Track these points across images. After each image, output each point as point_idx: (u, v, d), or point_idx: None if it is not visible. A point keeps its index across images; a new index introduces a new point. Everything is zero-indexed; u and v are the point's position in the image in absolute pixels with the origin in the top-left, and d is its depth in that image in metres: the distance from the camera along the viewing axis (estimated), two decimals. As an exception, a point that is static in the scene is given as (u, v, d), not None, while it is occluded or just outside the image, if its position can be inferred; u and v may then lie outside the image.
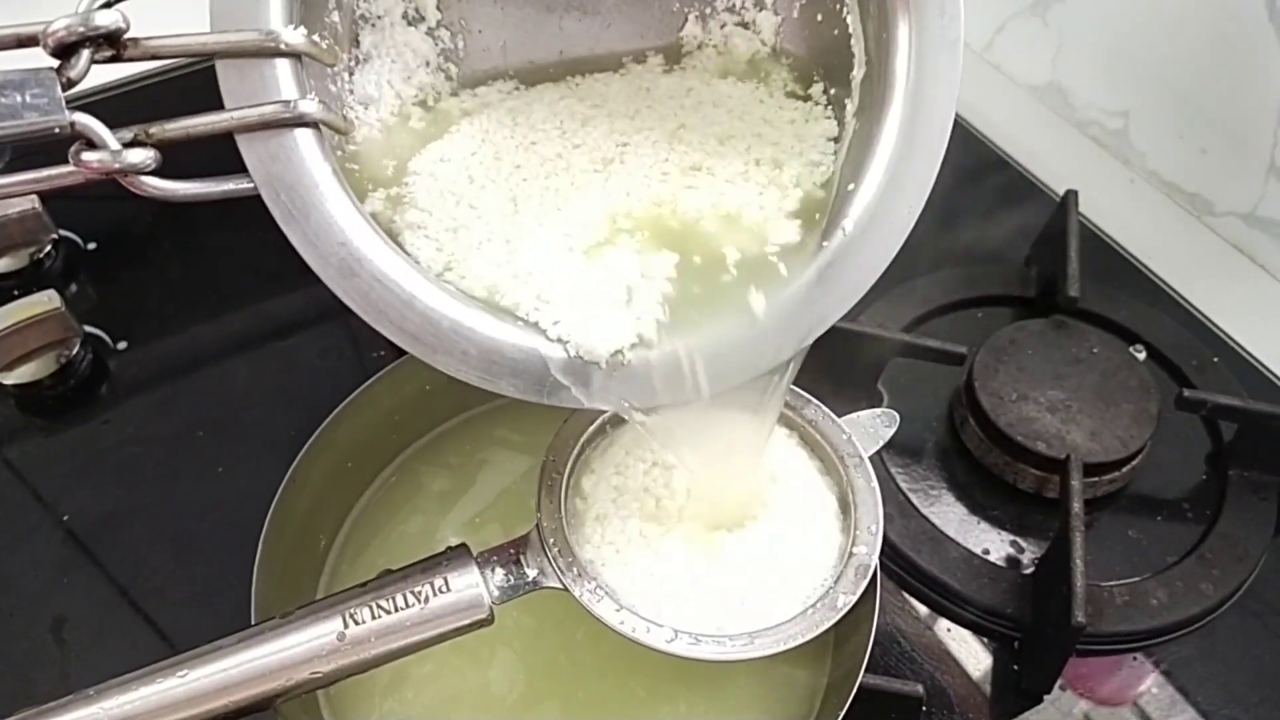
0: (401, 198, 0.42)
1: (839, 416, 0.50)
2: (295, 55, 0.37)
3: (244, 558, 0.49)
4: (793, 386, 0.51)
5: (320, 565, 0.57)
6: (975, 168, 0.86)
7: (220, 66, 0.36)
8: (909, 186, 0.41)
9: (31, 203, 0.74)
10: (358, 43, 0.43)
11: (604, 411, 0.49)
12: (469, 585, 0.44)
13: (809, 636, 0.44)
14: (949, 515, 0.64)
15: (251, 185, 0.36)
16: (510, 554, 0.45)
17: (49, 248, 0.77)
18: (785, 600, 0.45)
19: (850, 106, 0.44)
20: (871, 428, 0.51)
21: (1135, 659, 0.59)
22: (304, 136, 0.36)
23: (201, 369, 0.71)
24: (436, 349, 0.38)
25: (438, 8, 0.45)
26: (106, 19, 0.33)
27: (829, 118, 0.46)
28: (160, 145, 0.35)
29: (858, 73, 0.44)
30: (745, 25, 0.48)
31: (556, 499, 0.47)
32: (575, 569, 0.45)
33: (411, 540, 0.58)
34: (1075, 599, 0.53)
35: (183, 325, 0.74)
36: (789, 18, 0.47)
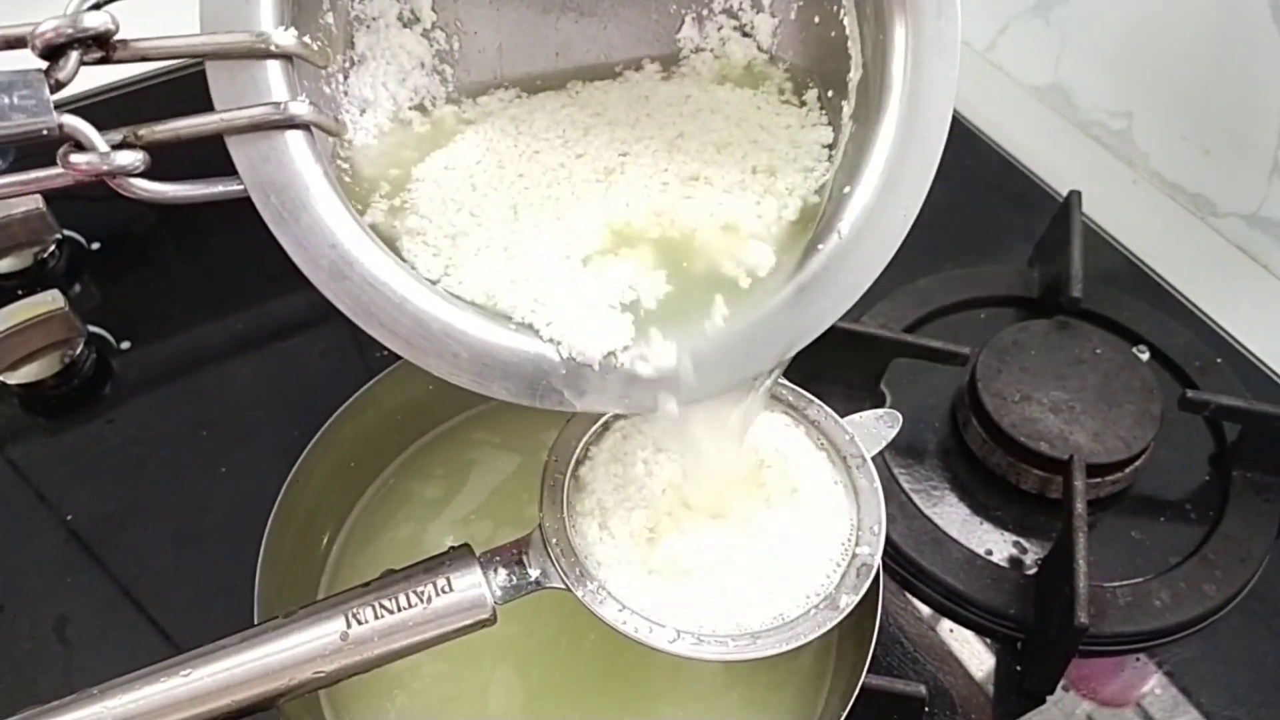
0: (404, 205, 0.42)
1: (842, 417, 0.50)
2: (286, 57, 0.37)
3: (247, 557, 0.50)
4: (796, 387, 0.51)
5: (322, 565, 0.57)
6: (978, 169, 0.86)
7: (210, 68, 0.36)
8: (905, 189, 0.41)
9: (35, 203, 0.74)
10: (353, 45, 0.43)
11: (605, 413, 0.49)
12: (472, 585, 0.44)
13: (811, 637, 0.44)
14: (952, 516, 0.64)
15: (242, 187, 0.36)
16: (513, 554, 0.45)
17: (53, 248, 0.77)
18: (787, 600, 0.45)
19: (846, 109, 0.44)
20: (874, 428, 0.51)
21: (1138, 660, 0.59)
22: (295, 139, 0.36)
23: (205, 369, 0.72)
24: (428, 352, 0.38)
25: (433, 9, 0.45)
26: (95, 20, 0.33)
27: (824, 124, 0.46)
28: (149, 147, 0.34)
29: (854, 75, 0.44)
30: (742, 28, 0.48)
31: (558, 499, 0.47)
32: (577, 569, 0.45)
33: (413, 539, 0.58)
34: (1078, 600, 0.53)
35: (186, 325, 0.74)
36: (786, 20, 0.47)
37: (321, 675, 0.42)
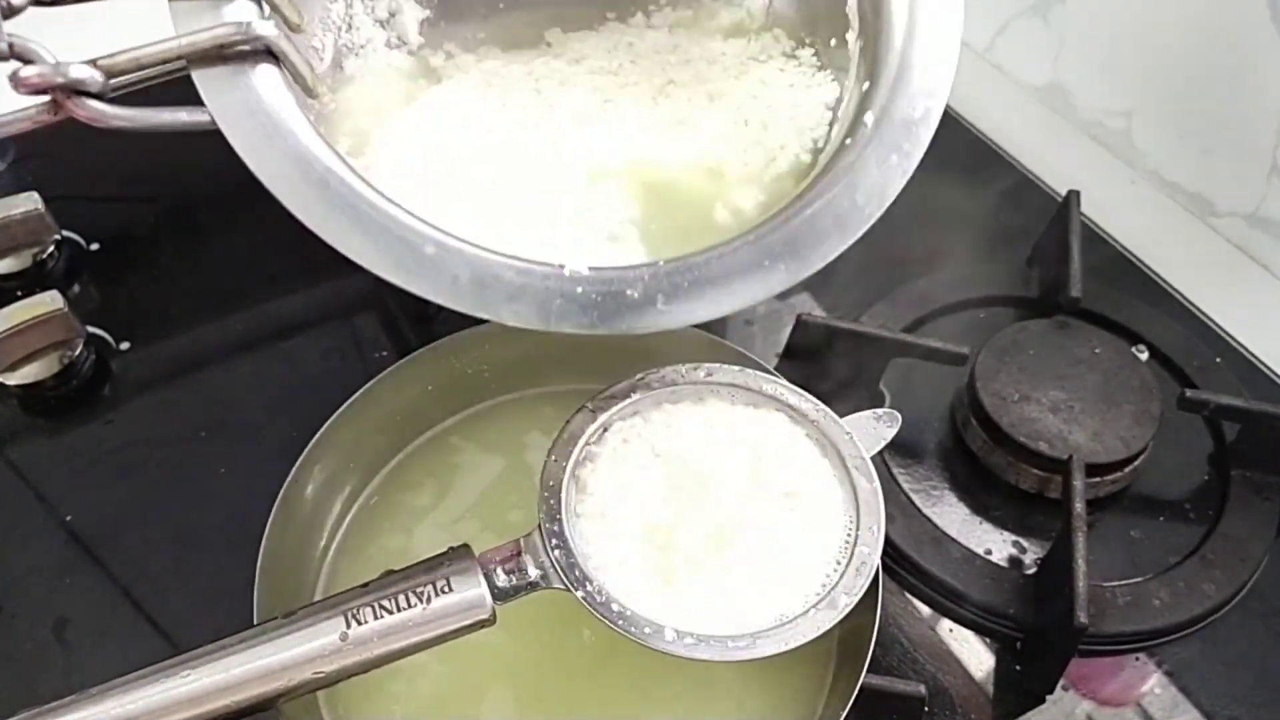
0: (367, 166, 0.40)
1: (841, 417, 0.50)
2: None
3: (247, 558, 0.50)
4: (795, 387, 0.51)
5: (321, 565, 0.57)
6: (977, 168, 0.86)
7: (173, 9, 0.34)
8: (924, 84, 0.38)
9: (35, 204, 0.74)
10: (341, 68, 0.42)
11: (605, 410, 0.49)
12: (471, 585, 0.44)
13: (811, 637, 0.44)
14: (951, 515, 0.64)
15: (207, 118, 0.34)
16: (512, 554, 0.45)
17: (52, 248, 0.77)
18: (787, 600, 0.45)
19: (852, 36, 0.43)
20: (873, 428, 0.51)
21: (1137, 659, 0.59)
22: (264, 68, 0.34)
23: (204, 369, 0.72)
24: (421, 275, 0.35)
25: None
26: None
27: (830, 81, 0.44)
28: (110, 74, 0.33)
29: (853, 34, 0.42)
30: None
31: (558, 499, 0.47)
32: (577, 570, 0.45)
33: (409, 541, 0.58)
34: (1077, 599, 0.53)
35: (185, 326, 0.74)
36: None
37: (321, 676, 0.42)
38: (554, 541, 0.45)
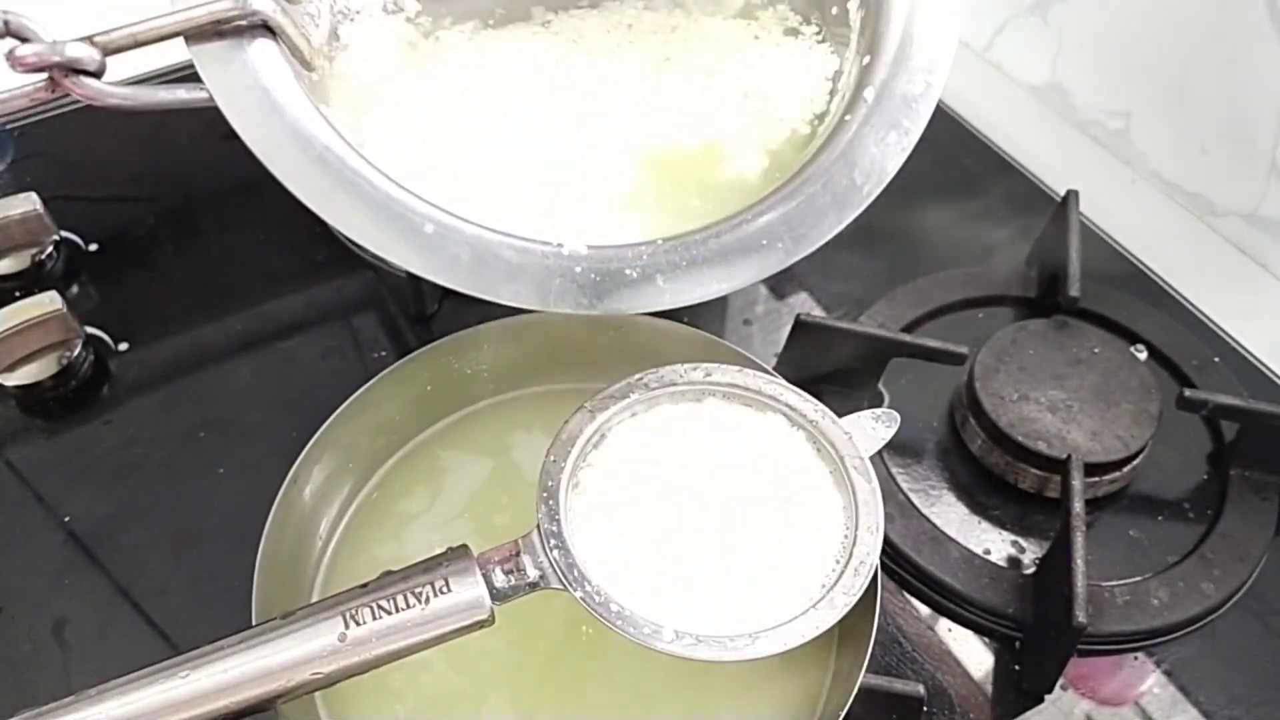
0: (365, 143, 0.40)
1: (839, 416, 0.50)
2: None
3: (245, 558, 0.50)
4: (794, 387, 0.51)
5: (320, 566, 0.57)
6: (976, 168, 0.86)
7: None
8: (921, 60, 0.38)
9: (33, 204, 0.74)
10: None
11: (605, 410, 0.49)
12: (470, 585, 0.44)
13: (810, 636, 0.44)
14: (950, 515, 0.64)
15: (204, 95, 0.34)
16: (511, 554, 0.45)
17: (50, 249, 0.77)
18: (786, 600, 0.45)
19: (854, 4, 0.42)
20: (872, 428, 0.51)
21: (1136, 659, 0.59)
22: (262, 42, 0.34)
23: (203, 370, 0.72)
24: (420, 256, 0.34)
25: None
26: None
27: (830, 53, 0.44)
28: (107, 51, 0.33)
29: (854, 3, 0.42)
30: None
31: (557, 499, 0.47)
32: (576, 569, 0.45)
33: (410, 537, 0.58)
34: (1076, 599, 0.53)
35: (184, 326, 0.74)
36: None
37: (319, 676, 0.42)
38: (552, 541, 0.45)
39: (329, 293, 0.71)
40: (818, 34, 0.45)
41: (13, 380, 0.68)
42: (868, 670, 0.47)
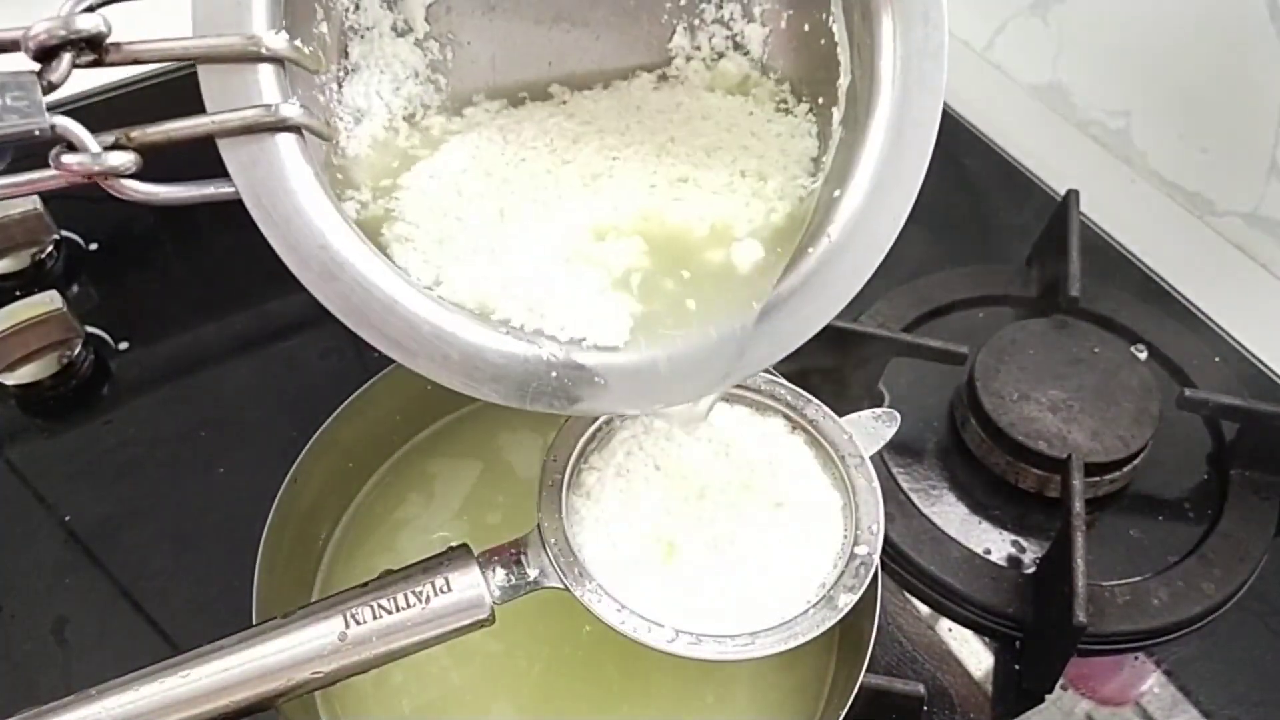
0: (390, 212, 0.42)
1: (840, 416, 0.50)
2: (278, 60, 0.37)
3: (245, 558, 0.50)
4: (794, 386, 0.51)
5: (319, 565, 0.57)
6: (976, 168, 0.86)
7: (202, 71, 0.36)
8: (895, 193, 0.41)
9: (33, 203, 0.74)
10: (346, 54, 0.43)
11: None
12: (470, 585, 0.44)
13: (810, 636, 0.44)
14: (950, 515, 0.64)
15: (233, 189, 0.36)
16: (511, 554, 0.45)
17: (50, 248, 0.77)
18: (786, 600, 0.45)
19: (836, 115, 0.44)
20: (872, 428, 0.51)
21: (1137, 659, 0.59)
22: (286, 141, 0.36)
23: (203, 369, 0.72)
24: (417, 354, 0.38)
25: (426, 19, 0.45)
26: (88, 23, 0.33)
27: (812, 135, 0.46)
28: (141, 149, 0.35)
29: (844, 80, 0.44)
30: (733, 37, 0.48)
31: (557, 498, 0.47)
32: (576, 568, 0.45)
33: (408, 537, 0.58)
34: (1076, 599, 0.53)
35: (184, 326, 0.74)
36: (776, 29, 0.47)
37: (320, 676, 0.42)
38: (552, 540, 0.45)
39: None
40: (810, 113, 0.46)
41: (13, 380, 0.68)
42: (868, 670, 0.47)
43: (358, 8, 0.43)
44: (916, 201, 0.41)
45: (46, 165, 0.34)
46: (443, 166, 0.44)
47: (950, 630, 0.60)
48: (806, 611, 0.44)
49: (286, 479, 0.53)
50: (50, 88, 0.33)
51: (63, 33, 0.33)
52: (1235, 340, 0.74)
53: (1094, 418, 0.64)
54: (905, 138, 0.41)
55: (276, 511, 0.52)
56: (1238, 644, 0.59)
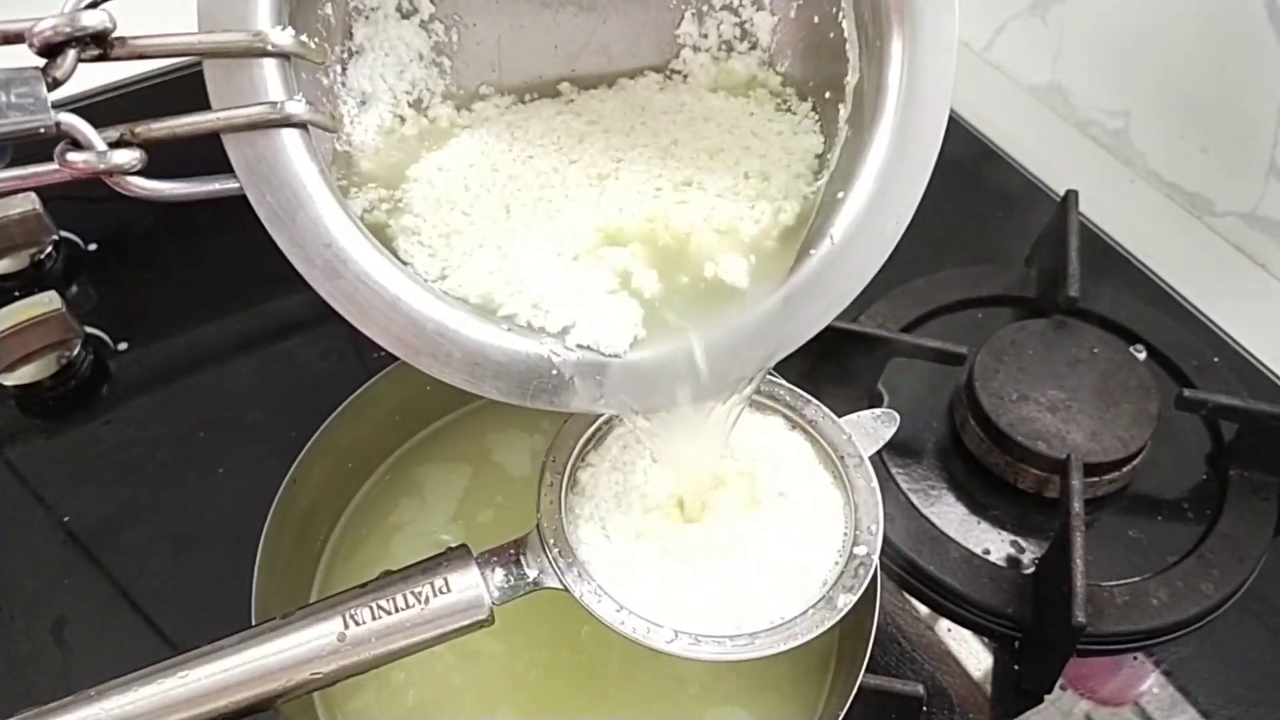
0: (398, 203, 0.42)
1: (839, 417, 0.50)
2: (283, 55, 0.37)
3: (244, 558, 0.50)
4: (793, 387, 0.51)
5: (319, 565, 0.57)
6: (976, 168, 0.86)
7: (207, 66, 0.36)
8: (898, 196, 0.41)
9: (32, 204, 0.74)
10: (351, 35, 0.43)
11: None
12: (469, 586, 0.44)
13: (809, 636, 0.44)
14: (949, 515, 0.64)
15: (237, 185, 0.36)
16: (510, 554, 0.45)
17: (49, 249, 0.77)
18: (785, 600, 0.45)
19: (843, 113, 0.44)
20: (871, 428, 0.51)
21: (1136, 659, 0.59)
22: (290, 137, 0.36)
23: (202, 370, 0.72)
24: (420, 351, 0.38)
25: (432, 1, 0.45)
26: (93, 19, 0.33)
27: (816, 132, 0.46)
28: (146, 145, 0.35)
29: (851, 78, 0.44)
30: (741, 24, 0.48)
31: (556, 499, 0.47)
32: (575, 569, 0.45)
33: (407, 538, 0.58)
34: (1076, 599, 0.53)
35: (184, 326, 0.74)
36: (785, 18, 0.47)
37: (319, 676, 0.42)
38: (551, 541, 0.45)
39: (324, 293, 0.71)
40: (812, 109, 0.46)
41: (12, 380, 0.68)
42: (867, 670, 0.47)
43: None
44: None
45: (50, 160, 0.34)
46: (451, 160, 0.44)
47: (949, 630, 0.60)
48: (806, 612, 0.44)
49: (286, 479, 0.53)
50: (55, 84, 0.33)
51: (68, 28, 0.33)
52: (1234, 340, 0.74)
53: (1093, 418, 0.64)
54: (911, 141, 0.41)
55: (275, 512, 0.51)
56: (1237, 644, 0.59)
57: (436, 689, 0.52)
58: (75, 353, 0.70)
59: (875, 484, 0.48)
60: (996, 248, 0.79)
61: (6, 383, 0.68)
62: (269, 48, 0.36)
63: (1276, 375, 0.72)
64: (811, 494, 0.48)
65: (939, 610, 0.61)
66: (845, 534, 0.47)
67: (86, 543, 0.62)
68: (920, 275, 0.74)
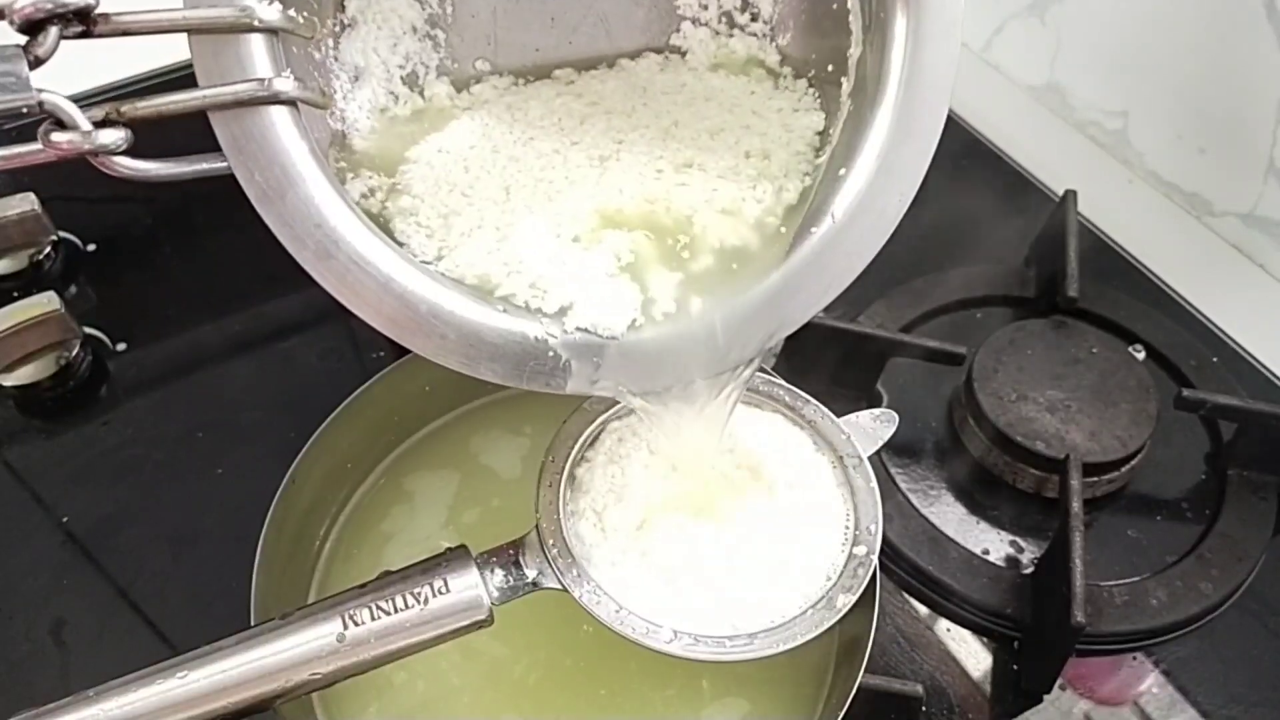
0: (396, 185, 0.42)
1: (838, 417, 0.50)
2: (271, 31, 0.36)
3: (243, 559, 0.49)
4: (792, 387, 0.51)
5: (317, 566, 0.57)
6: (974, 168, 0.86)
7: (194, 43, 0.35)
8: (901, 174, 0.40)
9: (31, 204, 0.74)
10: (343, 8, 0.42)
11: (602, 410, 0.49)
12: (468, 586, 0.43)
13: (808, 637, 0.44)
14: (948, 515, 0.64)
15: (226, 164, 0.35)
16: (509, 555, 0.45)
17: (48, 249, 0.77)
18: (785, 600, 0.45)
19: (845, 86, 0.43)
20: (871, 428, 0.51)
21: (1135, 659, 0.59)
22: (279, 114, 0.35)
23: (201, 370, 0.71)
24: (415, 332, 0.37)
25: None
26: None
27: (816, 109, 0.45)
28: (132, 124, 0.34)
29: (854, 51, 0.43)
30: None
31: (555, 498, 0.47)
32: (574, 569, 0.45)
33: (407, 538, 0.58)
34: (1075, 599, 0.53)
35: (182, 327, 0.74)
36: None
37: (318, 677, 0.42)
38: (551, 541, 0.45)
39: (327, 293, 0.71)
40: (811, 90, 0.46)
41: (11, 380, 0.68)
42: (866, 670, 0.47)
43: None
44: (914, 201, 0.40)
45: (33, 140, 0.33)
46: (451, 142, 0.43)
47: (948, 630, 0.60)
48: (805, 612, 0.44)
49: (285, 480, 0.53)
50: (37, 62, 0.32)
51: (49, 5, 0.32)
52: (1233, 340, 0.74)
53: (1092, 418, 0.64)
54: (914, 119, 0.40)
55: (275, 512, 0.51)
56: (1236, 644, 0.59)
57: (436, 690, 0.52)
58: (74, 353, 0.70)
59: (874, 484, 0.48)
60: (995, 248, 0.79)
61: (5, 383, 0.68)
62: (256, 23, 0.35)
63: (1275, 375, 0.72)
64: (811, 494, 0.48)
65: (938, 610, 0.61)
66: (844, 534, 0.47)
67: (85, 543, 0.62)
68: (919, 275, 0.74)
